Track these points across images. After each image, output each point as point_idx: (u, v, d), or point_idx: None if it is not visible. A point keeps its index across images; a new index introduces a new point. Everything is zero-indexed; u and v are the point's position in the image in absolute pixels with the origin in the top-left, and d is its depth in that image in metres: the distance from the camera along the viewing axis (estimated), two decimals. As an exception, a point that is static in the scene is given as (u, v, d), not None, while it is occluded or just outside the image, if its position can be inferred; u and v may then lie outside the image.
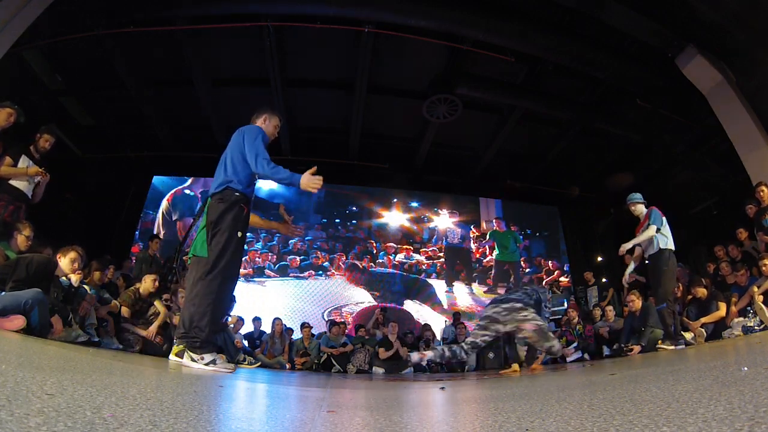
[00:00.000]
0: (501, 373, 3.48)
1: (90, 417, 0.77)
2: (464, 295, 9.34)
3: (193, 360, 2.51)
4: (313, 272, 8.90)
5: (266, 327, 6.78)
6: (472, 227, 10.06)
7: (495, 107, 7.88)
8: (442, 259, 9.61)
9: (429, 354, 3.62)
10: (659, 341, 4.31)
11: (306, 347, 6.42)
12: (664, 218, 4.39)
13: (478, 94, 7.08)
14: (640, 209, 4.58)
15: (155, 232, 8.15)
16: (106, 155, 8.39)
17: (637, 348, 4.70)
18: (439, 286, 9.31)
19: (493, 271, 9.67)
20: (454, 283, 9.40)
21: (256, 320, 6.92)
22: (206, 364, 2.47)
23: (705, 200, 8.25)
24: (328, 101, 7.99)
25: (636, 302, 5.14)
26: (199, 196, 9.04)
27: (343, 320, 7.96)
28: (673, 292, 4.49)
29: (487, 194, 10.23)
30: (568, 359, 5.64)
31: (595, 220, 10.13)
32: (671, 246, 4.29)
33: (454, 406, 1.42)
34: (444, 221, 10.00)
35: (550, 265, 10.02)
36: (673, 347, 4.07)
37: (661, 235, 4.31)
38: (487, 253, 9.87)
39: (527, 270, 9.93)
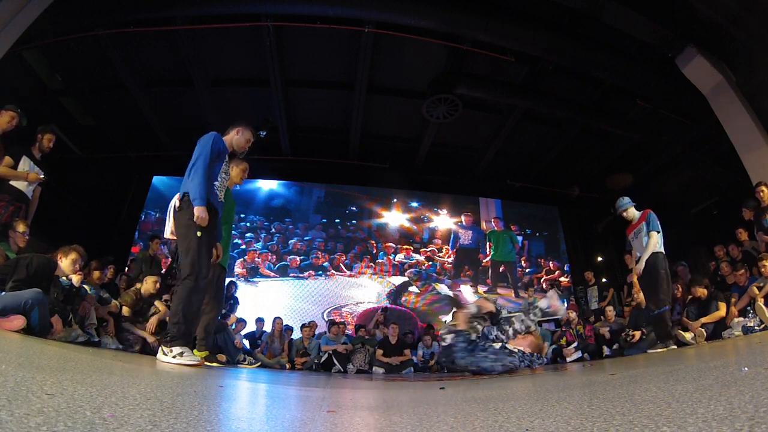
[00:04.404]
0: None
1: (90, 417, 0.77)
2: (470, 296, 9.32)
3: (164, 353, 2.61)
4: (313, 272, 8.90)
5: (268, 327, 6.78)
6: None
7: (495, 107, 7.87)
8: (451, 261, 9.56)
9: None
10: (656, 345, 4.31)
11: (306, 347, 6.42)
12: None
13: (478, 94, 7.07)
14: (632, 212, 4.60)
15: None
16: (106, 155, 8.39)
17: (638, 333, 4.67)
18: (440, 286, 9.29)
19: (490, 272, 9.67)
20: (460, 284, 9.39)
21: (259, 321, 6.94)
22: (174, 357, 2.55)
23: (705, 200, 8.25)
24: (328, 101, 7.98)
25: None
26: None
27: (342, 320, 7.96)
28: (672, 295, 4.50)
29: (487, 194, 10.22)
30: (568, 359, 5.64)
31: (595, 220, 10.12)
32: (662, 249, 4.33)
33: (454, 406, 1.42)
34: (455, 223, 9.98)
35: (551, 265, 10.01)
36: (664, 348, 4.10)
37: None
38: (487, 253, 9.86)
39: (527, 270, 9.92)
